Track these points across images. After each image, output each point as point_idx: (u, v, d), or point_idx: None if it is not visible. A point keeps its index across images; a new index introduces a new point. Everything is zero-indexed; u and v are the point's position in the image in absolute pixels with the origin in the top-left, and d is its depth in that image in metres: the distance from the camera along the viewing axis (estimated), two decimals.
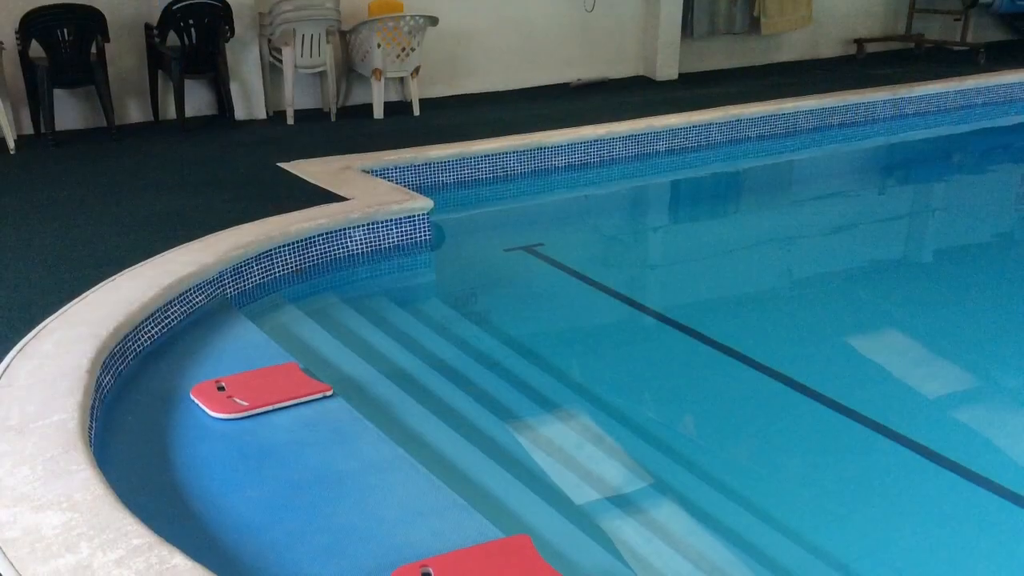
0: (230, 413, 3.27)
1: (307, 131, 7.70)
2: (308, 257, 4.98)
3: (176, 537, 2.43)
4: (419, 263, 5.42)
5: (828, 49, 11.34)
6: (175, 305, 4.07)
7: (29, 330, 3.62)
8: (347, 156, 6.47)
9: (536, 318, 4.88)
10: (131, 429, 3.24)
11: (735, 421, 3.82)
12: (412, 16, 7.94)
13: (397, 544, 2.60)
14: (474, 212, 6.67)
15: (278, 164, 6.38)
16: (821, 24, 11.09)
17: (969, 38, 11.42)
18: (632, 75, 10.22)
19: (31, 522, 2.44)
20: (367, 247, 5.24)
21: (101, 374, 3.35)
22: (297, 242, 4.90)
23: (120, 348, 3.59)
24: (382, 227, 5.26)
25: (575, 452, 3.48)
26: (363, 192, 5.55)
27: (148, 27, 7.69)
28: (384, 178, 6.17)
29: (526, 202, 6.81)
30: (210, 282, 4.33)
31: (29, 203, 5.63)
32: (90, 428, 3.03)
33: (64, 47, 6.98)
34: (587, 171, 7.14)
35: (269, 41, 8.06)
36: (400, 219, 5.31)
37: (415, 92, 8.37)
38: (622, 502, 3.19)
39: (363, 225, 5.19)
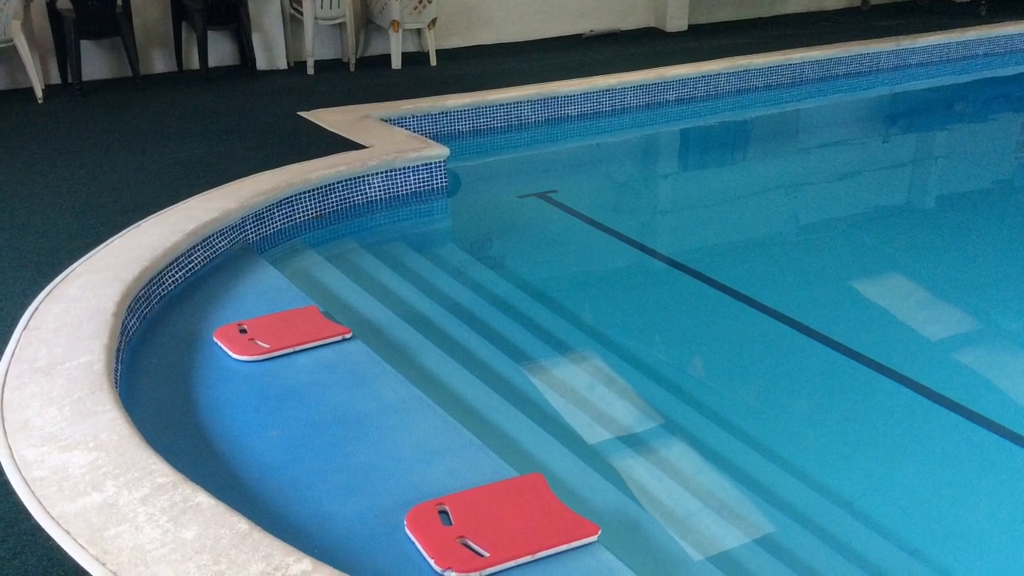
0: (252, 355, 3.22)
1: (327, 81, 7.58)
2: (328, 203, 4.90)
3: (199, 476, 2.41)
4: (435, 209, 5.33)
5: (833, 1, 11.11)
6: (198, 250, 4.01)
7: (56, 274, 3.57)
8: (366, 105, 6.36)
9: (549, 263, 4.81)
10: (155, 371, 3.19)
11: (743, 363, 3.77)
12: None
13: (414, 482, 2.55)
14: (489, 160, 6.56)
15: (298, 113, 6.29)
16: None
17: None
18: (643, 26, 10.02)
19: (58, 461, 2.40)
20: (385, 194, 5.16)
21: (126, 317, 3.30)
22: (317, 189, 4.82)
23: (145, 292, 3.54)
24: (399, 174, 5.18)
25: (587, 393, 3.43)
26: (381, 140, 5.46)
27: None
28: (402, 127, 6.08)
29: (540, 150, 6.69)
30: (232, 228, 4.26)
31: (56, 151, 5.56)
32: (116, 370, 2.99)
33: None
34: (599, 120, 7.02)
35: None
36: (417, 166, 5.23)
37: (432, 43, 8.22)
38: (633, 441, 3.14)
39: (381, 172, 5.11)
